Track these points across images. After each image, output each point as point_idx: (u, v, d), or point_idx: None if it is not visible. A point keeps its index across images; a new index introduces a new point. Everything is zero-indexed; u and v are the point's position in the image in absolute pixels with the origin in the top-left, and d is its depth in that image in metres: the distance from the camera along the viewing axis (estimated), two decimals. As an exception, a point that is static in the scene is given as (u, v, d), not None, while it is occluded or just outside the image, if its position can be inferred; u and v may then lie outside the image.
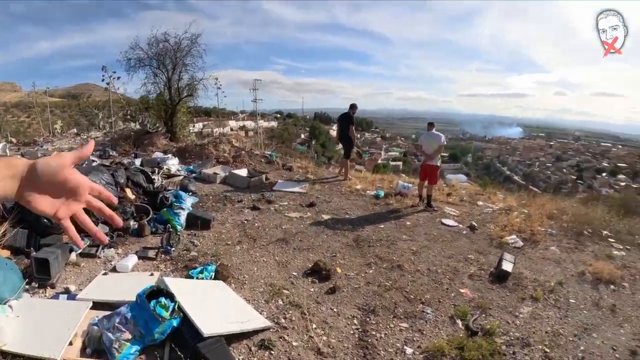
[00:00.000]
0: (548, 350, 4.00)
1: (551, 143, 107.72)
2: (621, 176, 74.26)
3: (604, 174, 77.75)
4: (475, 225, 7.48)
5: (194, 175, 10.15)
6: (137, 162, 10.76)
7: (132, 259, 5.17)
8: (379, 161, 64.91)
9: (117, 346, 3.27)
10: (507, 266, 5.50)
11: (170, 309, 3.54)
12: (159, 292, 3.71)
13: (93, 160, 10.09)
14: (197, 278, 4.69)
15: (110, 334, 3.33)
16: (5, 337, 3.22)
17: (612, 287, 5.58)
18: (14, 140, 19.21)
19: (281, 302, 4.36)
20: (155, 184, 8.66)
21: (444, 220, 7.67)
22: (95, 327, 3.46)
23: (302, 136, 73.13)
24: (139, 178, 8.11)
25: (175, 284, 4.02)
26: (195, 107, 18.30)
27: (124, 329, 3.36)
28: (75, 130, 20.59)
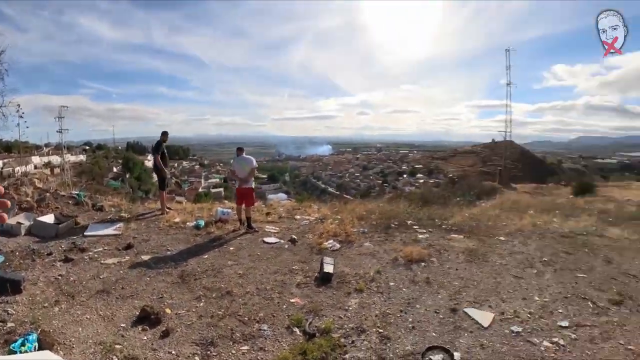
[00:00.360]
0: (382, 330, 4.68)
1: (357, 156, 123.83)
2: (419, 175, 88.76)
3: (405, 176, 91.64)
4: (295, 238, 8.19)
5: None
6: None
7: None
8: (200, 190, 64.32)
9: None
10: (329, 268, 6.25)
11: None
12: None
13: None
14: (21, 352, 4.23)
15: None
16: None
17: (422, 264, 6.85)
18: None
19: (116, 359, 4.22)
20: None
21: (266, 239, 8.18)
22: None
23: (115, 169, 66.95)
24: None
25: None
26: None
27: None
28: None
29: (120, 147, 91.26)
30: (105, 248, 7.69)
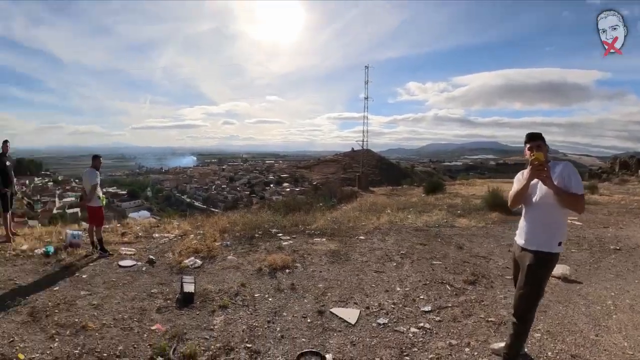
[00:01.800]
0: (250, 345, 4.60)
1: (224, 167, 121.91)
2: (286, 184, 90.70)
3: (271, 185, 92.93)
4: (154, 258, 7.77)
5: None
6: None
7: None
8: (55, 211, 57.60)
9: None
10: (189, 287, 5.96)
11: None
12: None
13: None
14: None
15: None
16: None
17: (287, 271, 6.96)
18: None
19: None
20: None
21: (121, 262, 7.62)
22: None
23: None
24: None
25: None
26: None
27: None
28: None
29: None
30: None
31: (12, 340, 4.93)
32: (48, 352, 4.67)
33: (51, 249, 8.19)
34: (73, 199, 72.65)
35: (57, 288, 6.50)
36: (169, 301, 5.91)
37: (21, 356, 4.55)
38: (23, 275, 7.06)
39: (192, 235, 9.34)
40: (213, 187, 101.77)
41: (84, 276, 6.99)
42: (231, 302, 5.81)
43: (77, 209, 57.38)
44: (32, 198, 66.03)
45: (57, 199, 74.30)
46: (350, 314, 5.36)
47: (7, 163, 8.97)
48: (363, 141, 52.51)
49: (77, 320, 5.36)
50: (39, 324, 5.30)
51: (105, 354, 4.57)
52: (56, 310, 5.67)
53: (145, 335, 4.98)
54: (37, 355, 4.61)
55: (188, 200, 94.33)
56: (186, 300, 5.82)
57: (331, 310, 5.49)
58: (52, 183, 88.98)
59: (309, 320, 5.22)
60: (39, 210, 58.55)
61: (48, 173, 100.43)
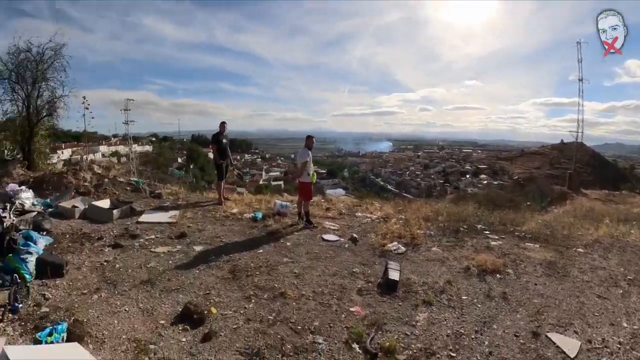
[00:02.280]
0: (454, 354, 3.94)
1: (419, 153, 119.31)
2: (483, 176, 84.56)
3: (467, 176, 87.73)
4: (357, 237, 7.48)
5: (50, 210, 8.78)
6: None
7: None
8: (261, 182, 64.56)
9: None
10: (394, 274, 5.45)
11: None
12: None
13: None
14: (47, 342, 3.85)
15: None
16: None
17: (498, 276, 5.97)
18: None
19: (147, 361, 3.70)
20: (6, 224, 7.47)
21: (325, 236, 7.53)
22: None
23: (179, 160, 70.10)
24: None
25: (20, 355, 3.31)
26: (56, 130, 15.49)
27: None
28: None
29: (185, 139, 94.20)
30: (158, 236, 7.32)
31: (208, 293, 5.06)
32: (242, 311, 4.62)
33: (259, 214, 8.65)
34: (278, 173, 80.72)
35: (260, 251, 6.68)
36: (370, 284, 5.52)
37: (214, 310, 4.56)
38: (230, 234, 7.54)
39: (393, 220, 8.89)
40: (407, 172, 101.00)
41: (287, 244, 7.09)
42: (436, 299, 5.14)
43: (281, 182, 62.83)
44: (242, 170, 74.78)
45: (263, 172, 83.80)
46: (569, 345, 4.29)
47: (224, 141, 10.11)
48: (577, 132, 44.27)
49: (276, 285, 5.31)
50: (238, 282, 5.38)
51: (299, 327, 4.33)
52: (257, 272, 5.73)
53: (343, 315, 4.63)
54: (230, 312, 4.60)
55: (382, 183, 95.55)
56: (389, 287, 5.32)
57: (547, 334, 4.46)
58: (260, 159, 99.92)
59: (521, 341, 4.28)
60: (247, 181, 65.96)
61: (257, 151, 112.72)
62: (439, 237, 7.81)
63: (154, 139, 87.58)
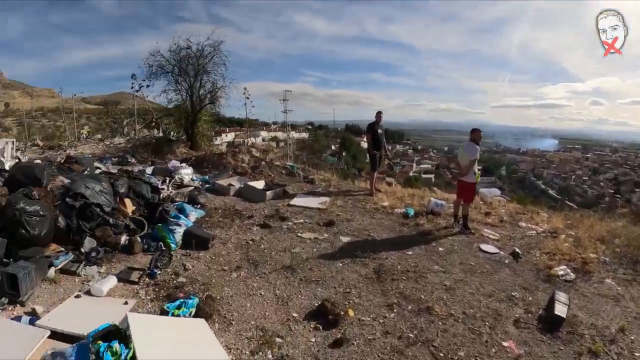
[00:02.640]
0: None
1: (587, 155, 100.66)
2: None
3: None
4: (519, 252, 6.18)
5: (207, 186, 9.32)
6: (149, 170, 10.14)
7: (110, 282, 4.49)
8: (411, 174, 62.92)
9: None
10: (561, 309, 4.21)
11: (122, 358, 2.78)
12: (116, 332, 2.97)
13: (97, 167, 9.45)
14: (174, 314, 3.74)
15: (52, 375, 2.68)
16: None
17: None
18: (40, 143, 19.39)
19: (270, 357, 3.36)
20: (162, 195, 7.95)
21: (483, 246, 6.34)
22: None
23: (333, 147, 71.82)
24: (142, 188, 7.35)
25: (141, 324, 3.19)
26: (219, 116, 17.55)
27: (64, 374, 2.68)
28: (99, 136, 20.83)
29: (339, 128, 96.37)
30: (306, 221, 7.12)
31: (348, 292, 4.53)
32: (381, 320, 4.00)
33: (411, 211, 7.81)
34: (429, 166, 77.61)
35: (409, 253, 5.90)
36: (529, 314, 4.39)
37: (351, 312, 4.02)
38: (379, 229, 6.93)
39: (563, 236, 7.37)
40: (573, 177, 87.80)
41: (440, 249, 6.16)
42: (604, 349, 3.83)
43: (432, 175, 60.56)
44: (393, 160, 73.42)
45: (414, 164, 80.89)
46: None
47: (379, 131, 9.53)
48: None
49: (423, 297, 4.54)
50: (382, 285, 4.75)
51: (441, 354, 3.56)
52: (403, 277, 4.99)
53: (494, 350, 3.69)
54: (368, 319, 4.00)
55: (543, 186, 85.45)
56: (553, 324, 4.15)
57: None
58: (411, 150, 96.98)
59: None
60: (397, 171, 64.82)
61: (409, 142, 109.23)
62: (615, 266, 6.07)
63: (310, 126, 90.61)
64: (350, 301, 4.31)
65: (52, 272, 4.63)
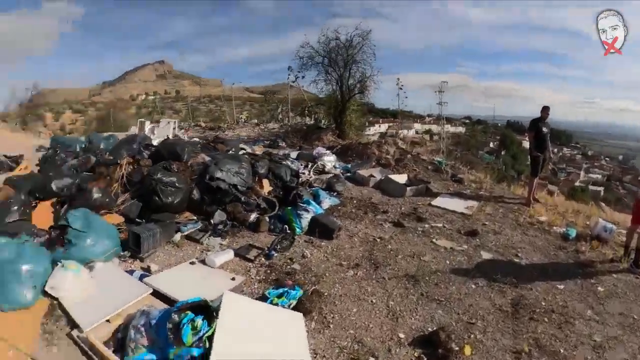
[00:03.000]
0: None
1: None
2: None
3: None
4: None
5: (347, 174, 9.12)
6: (294, 154, 10.26)
7: (226, 255, 4.66)
8: (576, 183, 54.04)
9: (132, 346, 2.92)
10: None
11: (199, 335, 2.80)
12: (205, 307, 3.02)
13: (242, 149, 9.76)
14: (272, 302, 3.59)
15: (133, 332, 2.98)
16: (62, 292, 3.49)
17: None
18: (202, 124, 21.72)
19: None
20: (301, 179, 7.98)
21: None
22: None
23: (491, 145, 66.27)
24: (282, 171, 7.49)
25: (234, 306, 3.14)
26: (368, 106, 17.66)
27: (144, 334, 2.96)
28: (255, 120, 22.95)
29: (499, 124, 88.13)
30: (446, 226, 6.33)
31: (472, 323, 3.76)
32: (503, 368, 3.19)
33: (573, 232, 6.30)
34: (599, 176, 65.95)
35: (560, 287, 4.67)
36: None
37: (468, 350, 3.29)
38: (529, 249, 5.68)
39: None
40: None
41: (599, 289, 4.74)
42: None
43: (601, 188, 52.04)
44: (558, 166, 65.16)
45: (582, 172, 69.37)
46: None
47: (544, 129, 7.95)
48: None
49: (561, 351, 3.48)
50: (515, 324, 3.81)
51: None
52: (545, 319, 3.93)
53: None
54: (488, 362, 3.26)
55: None
56: None
57: None
58: (580, 155, 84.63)
59: None
60: (561, 178, 57.64)
61: (577, 146, 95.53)
62: None
63: (467, 121, 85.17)
64: (472, 336, 3.53)
65: (177, 236, 5.05)
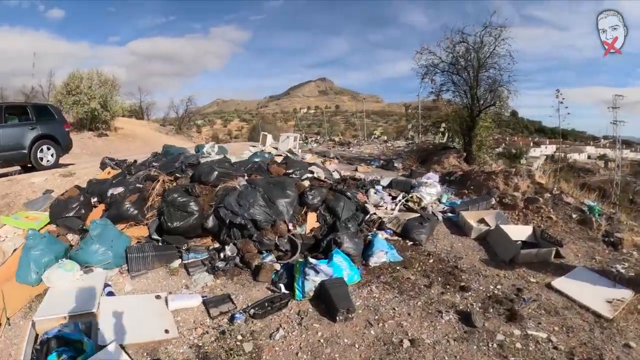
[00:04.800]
0: None
1: None
2: None
3: None
4: None
5: (450, 215, 6.57)
6: (385, 181, 8.10)
7: (189, 301, 4.04)
8: None
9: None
10: None
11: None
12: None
13: (310, 172, 7.36)
14: None
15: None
16: (50, 283, 4.14)
17: None
18: (335, 139, 20.59)
19: None
20: (370, 217, 5.93)
21: None
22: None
23: None
24: (338, 203, 5.68)
25: None
26: (503, 119, 13.15)
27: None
28: (385, 137, 21.58)
29: None
30: (554, 339, 3.47)
31: None
32: None
33: None
34: None
35: None
36: None
37: None
38: None
39: None
40: None
41: None
42: None
43: None
44: None
45: None
46: None
47: None
48: None
49: None
50: None
51: None
52: None
53: None
54: None
55: None
56: None
57: None
58: None
59: None
60: None
61: None
62: None
63: None
64: None
65: (176, 263, 4.83)
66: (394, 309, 3.83)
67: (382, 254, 4.69)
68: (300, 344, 3.40)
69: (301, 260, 4.31)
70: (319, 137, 22.57)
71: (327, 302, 3.77)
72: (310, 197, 5.60)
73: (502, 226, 5.67)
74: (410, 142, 16.49)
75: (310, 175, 6.92)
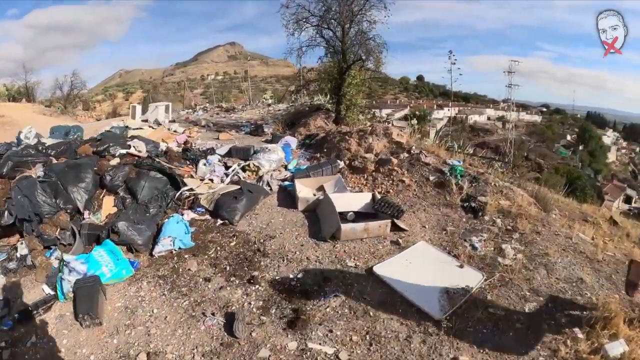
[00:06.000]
0: None
1: None
2: None
3: None
4: None
5: (287, 183, 6.00)
6: (222, 150, 7.30)
7: None
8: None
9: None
10: None
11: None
12: None
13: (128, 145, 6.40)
14: None
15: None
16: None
17: None
18: (223, 105, 19.63)
19: None
20: (183, 194, 5.26)
21: None
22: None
23: (568, 137, 56.47)
24: (138, 183, 5.02)
25: None
26: (377, 77, 12.17)
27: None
28: (270, 101, 20.87)
29: (579, 115, 77.64)
30: (364, 337, 2.91)
31: None
32: None
33: None
34: None
35: None
36: None
37: None
38: None
39: None
40: None
41: None
42: None
43: None
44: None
45: None
46: None
47: None
48: None
49: None
50: None
51: None
52: None
53: None
54: None
55: None
56: None
57: None
58: None
59: None
60: None
61: None
62: None
63: (544, 109, 75.05)
64: None
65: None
66: (153, 311, 3.24)
67: (168, 240, 4.06)
68: (45, 354, 2.96)
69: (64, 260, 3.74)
70: (208, 104, 21.31)
71: (74, 305, 3.31)
72: (109, 178, 4.88)
73: (333, 195, 5.09)
74: (291, 104, 15.61)
75: (124, 151, 5.86)
